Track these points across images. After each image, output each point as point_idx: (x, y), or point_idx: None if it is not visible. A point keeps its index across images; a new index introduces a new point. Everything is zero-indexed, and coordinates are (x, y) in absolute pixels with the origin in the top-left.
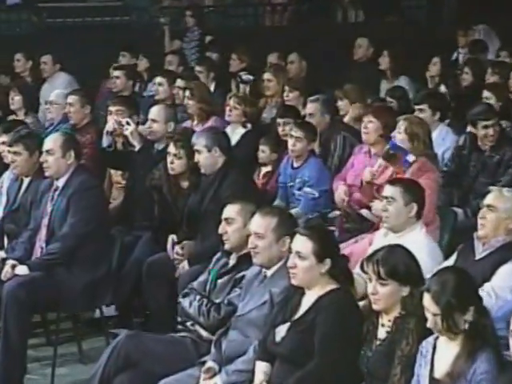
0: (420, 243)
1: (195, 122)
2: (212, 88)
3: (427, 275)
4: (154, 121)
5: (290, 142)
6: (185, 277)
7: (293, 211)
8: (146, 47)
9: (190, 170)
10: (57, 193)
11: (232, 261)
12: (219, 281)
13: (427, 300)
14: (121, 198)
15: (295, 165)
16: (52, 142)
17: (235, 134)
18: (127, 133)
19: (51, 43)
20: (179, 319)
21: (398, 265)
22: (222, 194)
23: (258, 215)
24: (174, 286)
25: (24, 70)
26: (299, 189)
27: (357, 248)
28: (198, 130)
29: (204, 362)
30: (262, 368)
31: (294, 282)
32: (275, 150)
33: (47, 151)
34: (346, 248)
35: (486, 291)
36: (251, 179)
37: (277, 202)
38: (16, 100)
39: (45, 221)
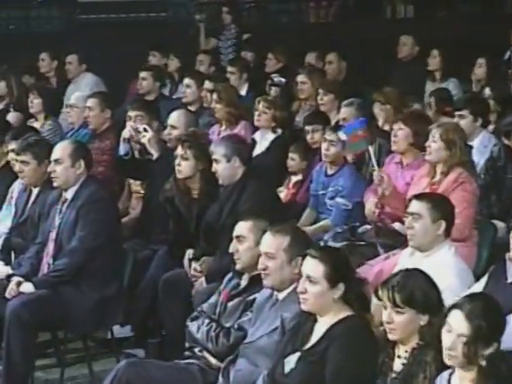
0: (448, 264)
1: (223, 127)
2: (244, 90)
3: (455, 298)
4: (173, 127)
5: (324, 145)
6: (200, 295)
7: (323, 222)
8: (180, 46)
9: (200, 176)
10: (65, 205)
11: (244, 282)
12: (230, 303)
13: (457, 317)
14: (139, 208)
15: (329, 172)
16: (60, 150)
17: (264, 139)
18: (144, 140)
19: (82, 41)
20: (187, 345)
21: (415, 291)
22: (240, 208)
23: (268, 234)
24: (192, 305)
25: (49, 71)
26: (331, 198)
27: (387, 265)
28: (219, 137)
29: None
30: None
31: (304, 307)
32: (305, 157)
33: (55, 160)
34: (376, 265)
35: None
36: (273, 191)
37: (307, 212)
38: (35, 103)
39: (52, 235)
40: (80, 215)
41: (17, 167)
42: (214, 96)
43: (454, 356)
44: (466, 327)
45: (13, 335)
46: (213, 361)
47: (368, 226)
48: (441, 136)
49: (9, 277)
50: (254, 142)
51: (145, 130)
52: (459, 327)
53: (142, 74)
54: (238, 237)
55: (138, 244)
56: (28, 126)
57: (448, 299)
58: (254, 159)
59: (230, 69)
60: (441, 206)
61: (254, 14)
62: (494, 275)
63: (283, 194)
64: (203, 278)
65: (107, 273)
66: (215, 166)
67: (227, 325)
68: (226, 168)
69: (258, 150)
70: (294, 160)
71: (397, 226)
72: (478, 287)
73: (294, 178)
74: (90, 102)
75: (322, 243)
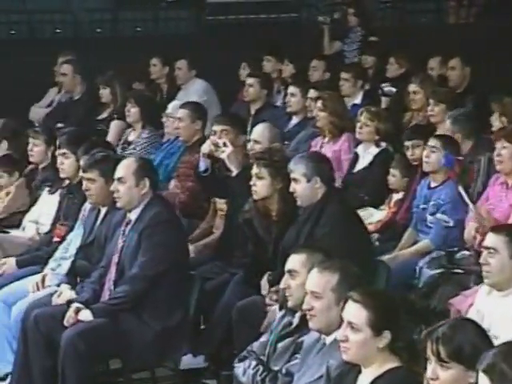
0: None
1: (326, 139)
2: (359, 99)
3: None
4: (256, 141)
5: (424, 153)
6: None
7: (421, 244)
8: (304, 49)
9: (279, 196)
10: (129, 227)
11: (296, 320)
12: (280, 344)
13: None
14: (222, 228)
15: (432, 184)
16: (124, 168)
17: (367, 153)
18: (223, 156)
19: (209, 43)
20: None
21: (463, 345)
22: (318, 232)
23: (315, 271)
24: None
25: (160, 77)
26: (432, 214)
27: (465, 303)
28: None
29: None
30: None
31: (345, 357)
32: (407, 174)
33: (118, 179)
34: (469, 297)
35: None
36: (355, 214)
37: (408, 233)
38: (132, 112)
39: (115, 258)
40: (142, 238)
41: (84, 185)
42: (318, 103)
43: None
44: None
45: (68, 366)
46: None
47: (467, 252)
48: None
49: (69, 302)
50: (356, 156)
51: (224, 144)
52: None
53: (249, 81)
54: (289, 271)
55: (217, 267)
56: (102, 139)
57: None
58: (356, 174)
59: (343, 75)
60: None
61: (389, 15)
62: None
63: (384, 212)
64: (277, 307)
65: (171, 301)
66: (294, 186)
67: (276, 367)
68: (305, 188)
69: (360, 165)
70: (394, 176)
71: None
72: None
73: (395, 196)
74: (181, 113)
75: (417, 269)
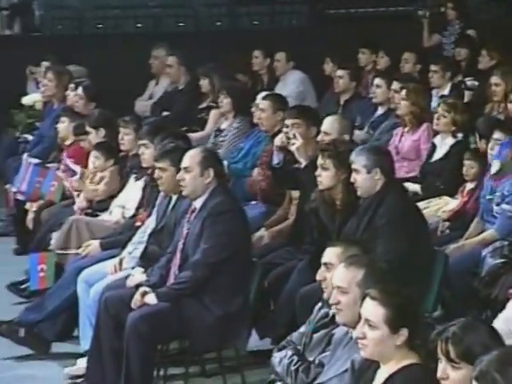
0: None
1: (406, 129)
2: (447, 90)
3: None
4: (326, 133)
5: (489, 145)
6: None
7: (487, 233)
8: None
9: (343, 186)
10: (193, 215)
11: (331, 311)
12: (316, 335)
13: None
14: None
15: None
16: (190, 158)
17: (444, 144)
18: (293, 148)
19: (323, 37)
20: (271, 376)
21: (473, 345)
22: (377, 222)
23: (342, 266)
24: None
25: (261, 68)
26: (498, 204)
27: None
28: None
29: None
30: None
31: (363, 354)
32: (480, 165)
33: (184, 168)
34: None
35: None
36: (413, 205)
37: (476, 222)
38: (225, 103)
39: (180, 245)
40: (205, 227)
41: (155, 174)
42: (402, 92)
43: None
44: None
45: (131, 347)
46: None
47: None
48: None
49: (138, 286)
50: (433, 146)
51: (294, 137)
52: None
53: (339, 73)
54: (325, 264)
55: (288, 252)
56: (179, 131)
57: None
58: (433, 164)
59: (432, 67)
60: None
61: (488, 7)
62: None
63: (457, 201)
64: None
65: (232, 287)
66: (354, 176)
67: (311, 358)
68: (365, 179)
69: (437, 155)
70: (468, 167)
71: None
72: None
73: (469, 186)
74: (263, 104)
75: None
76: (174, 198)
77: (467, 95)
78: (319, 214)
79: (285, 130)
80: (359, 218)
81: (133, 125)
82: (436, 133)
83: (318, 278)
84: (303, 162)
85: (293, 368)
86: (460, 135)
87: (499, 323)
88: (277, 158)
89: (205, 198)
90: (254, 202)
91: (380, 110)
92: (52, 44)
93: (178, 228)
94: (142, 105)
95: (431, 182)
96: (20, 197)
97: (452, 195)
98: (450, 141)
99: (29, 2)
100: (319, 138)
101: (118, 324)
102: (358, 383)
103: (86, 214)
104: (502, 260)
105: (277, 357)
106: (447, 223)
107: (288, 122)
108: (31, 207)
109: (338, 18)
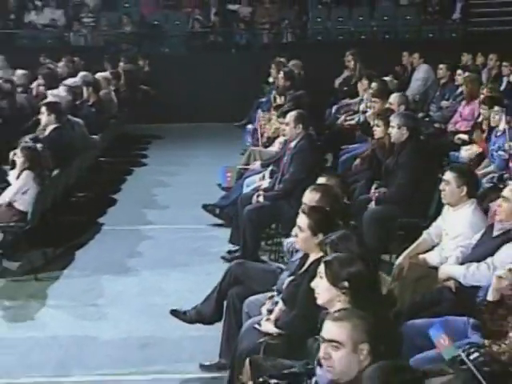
0: (466, 216)
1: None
2: None
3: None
4: (390, 103)
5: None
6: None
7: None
8: None
9: (387, 137)
10: (289, 151)
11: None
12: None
13: None
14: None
15: None
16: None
17: None
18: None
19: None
20: None
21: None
22: (399, 160)
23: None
24: None
25: (407, 63)
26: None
27: None
28: None
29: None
30: None
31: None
32: None
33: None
34: None
35: (487, 263)
36: (428, 153)
37: None
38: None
39: (281, 167)
40: (293, 159)
41: None
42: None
43: None
44: None
45: (247, 230)
46: None
47: None
48: None
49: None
50: None
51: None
52: None
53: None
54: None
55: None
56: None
57: (460, 242)
58: None
59: None
60: (464, 175)
61: None
62: (487, 230)
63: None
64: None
65: None
66: (391, 130)
67: None
68: (397, 132)
69: None
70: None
71: None
72: (476, 237)
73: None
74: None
75: None
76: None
77: None
78: (376, 152)
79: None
80: (394, 157)
81: None
82: None
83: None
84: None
85: None
86: None
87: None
88: None
89: (296, 141)
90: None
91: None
92: None
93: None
94: None
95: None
96: None
97: None
98: None
99: None
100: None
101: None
102: None
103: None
104: (491, 185)
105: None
106: None
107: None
108: None
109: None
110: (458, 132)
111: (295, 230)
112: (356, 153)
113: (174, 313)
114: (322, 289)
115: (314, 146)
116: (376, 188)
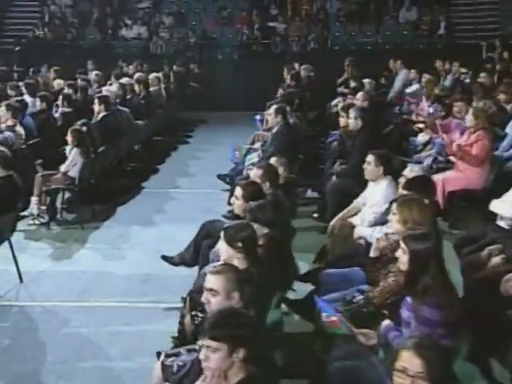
0: (381, 189)
1: None
2: None
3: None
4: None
5: None
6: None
7: None
8: None
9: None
10: (271, 136)
11: None
12: None
13: None
14: None
15: None
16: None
17: None
18: None
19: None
20: None
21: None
22: (355, 144)
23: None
24: None
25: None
26: None
27: None
28: None
29: None
30: None
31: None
32: None
33: None
34: None
35: None
36: (376, 139)
37: None
38: None
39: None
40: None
41: None
42: None
43: None
44: None
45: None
46: None
47: None
48: None
49: None
50: None
51: None
52: None
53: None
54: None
55: None
56: None
57: (375, 209)
58: None
59: None
60: (381, 157)
61: None
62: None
63: None
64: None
65: None
66: (350, 121)
67: None
68: (352, 122)
69: None
70: None
71: None
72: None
73: None
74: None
75: None
76: None
77: None
78: (342, 137)
79: None
80: (352, 141)
81: None
82: None
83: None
84: None
85: None
86: None
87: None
88: None
89: (276, 128)
90: None
91: None
92: None
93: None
94: None
95: None
96: None
97: None
98: None
99: None
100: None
101: None
102: None
103: None
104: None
105: None
106: None
107: None
108: None
109: None
110: (417, 122)
111: (233, 199)
112: (336, 137)
113: (164, 257)
114: (222, 250)
115: (289, 132)
116: (339, 165)
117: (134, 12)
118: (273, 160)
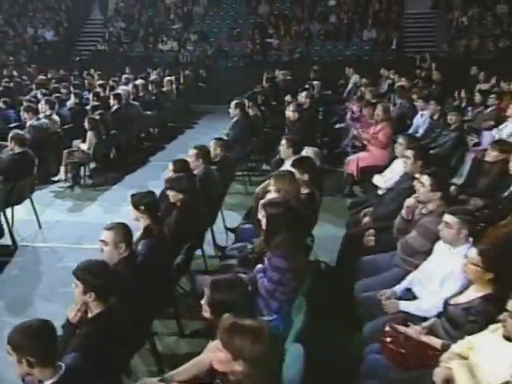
0: None
1: None
2: None
3: None
4: None
5: None
6: None
7: None
8: None
9: None
10: (231, 125)
11: None
12: None
13: None
14: None
15: None
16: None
17: None
18: None
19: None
20: None
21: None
22: (292, 130)
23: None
24: None
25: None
26: None
27: None
28: None
29: None
30: None
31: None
32: None
33: None
34: None
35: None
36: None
37: None
38: None
39: None
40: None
41: None
42: None
43: None
44: None
45: None
46: None
47: None
48: None
49: None
50: None
51: None
52: None
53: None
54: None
55: None
56: None
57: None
58: None
59: None
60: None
61: None
62: None
63: None
64: None
65: None
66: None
67: None
68: (291, 115)
69: None
70: None
71: None
72: None
73: None
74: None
75: None
76: None
77: None
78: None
79: None
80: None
81: None
82: None
83: None
84: None
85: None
86: None
87: None
88: None
89: (235, 119)
90: None
91: None
92: None
93: None
94: None
95: None
96: None
97: None
98: None
99: None
100: None
101: None
102: None
103: None
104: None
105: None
106: None
107: None
108: None
109: None
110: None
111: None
112: None
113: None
114: (130, 211)
115: (246, 121)
116: None
117: (169, 31)
118: (212, 142)
